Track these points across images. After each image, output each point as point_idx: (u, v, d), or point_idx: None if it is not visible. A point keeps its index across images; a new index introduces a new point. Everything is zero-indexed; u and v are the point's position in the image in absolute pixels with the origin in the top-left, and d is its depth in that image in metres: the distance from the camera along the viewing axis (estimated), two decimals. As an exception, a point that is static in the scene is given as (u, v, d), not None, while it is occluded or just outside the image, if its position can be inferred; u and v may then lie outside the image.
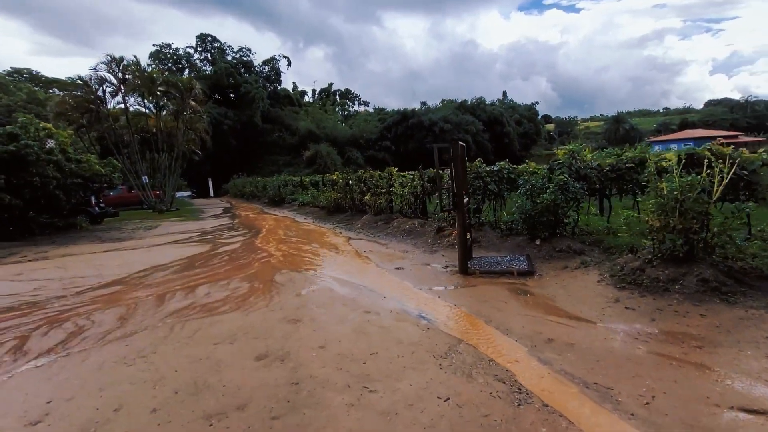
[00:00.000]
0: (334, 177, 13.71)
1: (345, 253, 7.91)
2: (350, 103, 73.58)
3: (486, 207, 8.16)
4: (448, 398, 2.60)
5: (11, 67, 39.10)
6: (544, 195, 6.05)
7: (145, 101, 22.14)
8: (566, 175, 6.23)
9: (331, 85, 71.52)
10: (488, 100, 67.17)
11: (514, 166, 8.26)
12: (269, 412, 2.50)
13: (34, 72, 39.64)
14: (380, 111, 66.84)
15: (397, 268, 6.31)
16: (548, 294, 4.64)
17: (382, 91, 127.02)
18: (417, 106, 66.08)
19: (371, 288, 5.31)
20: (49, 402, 2.73)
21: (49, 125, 11.86)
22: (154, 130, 21.62)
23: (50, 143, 10.98)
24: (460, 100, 66.23)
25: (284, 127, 50.73)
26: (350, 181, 11.57)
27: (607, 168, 6.88)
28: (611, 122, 66.14)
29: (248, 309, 4.67)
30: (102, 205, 15.30)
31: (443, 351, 3.32)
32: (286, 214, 16.77)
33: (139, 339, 3.88)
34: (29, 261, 8.20)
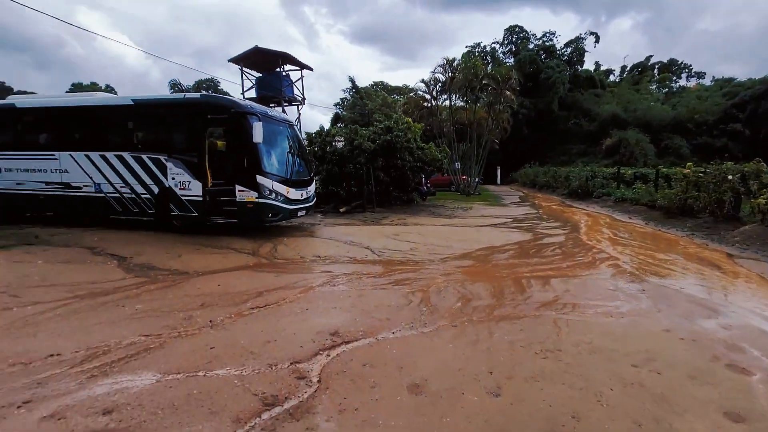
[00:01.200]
0: (686, 171, 10.50)
1: (743, 276, 5.61)
2: (674, 77, 57.42)
3: None
4: None
5: (373, 81, 54.19)
6: None
7: (464, 96, 24.83)
8: None
9: (648, 58, 57.88)
10: None
11: None
12: None
13: (384, 83, 53.23)
14: (726, 83, 48.60)
15: None
16: None
17: (717, 58, 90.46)
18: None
19: None
20: (490, 372, 2.84)
21: (409, 119, 15.13)
22: (466, 122, 24.07)
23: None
24: None
25: (582, 113, 45.73)
26: (729, 176, 8.36)
27: None
28: None
29: (639, 326, 3.79)
30: (428, 185, 18.41)
31: None
32: (599, 210, 14.64)
33: (528, 326, 3.76)
34: (396, 225, 10.56)
